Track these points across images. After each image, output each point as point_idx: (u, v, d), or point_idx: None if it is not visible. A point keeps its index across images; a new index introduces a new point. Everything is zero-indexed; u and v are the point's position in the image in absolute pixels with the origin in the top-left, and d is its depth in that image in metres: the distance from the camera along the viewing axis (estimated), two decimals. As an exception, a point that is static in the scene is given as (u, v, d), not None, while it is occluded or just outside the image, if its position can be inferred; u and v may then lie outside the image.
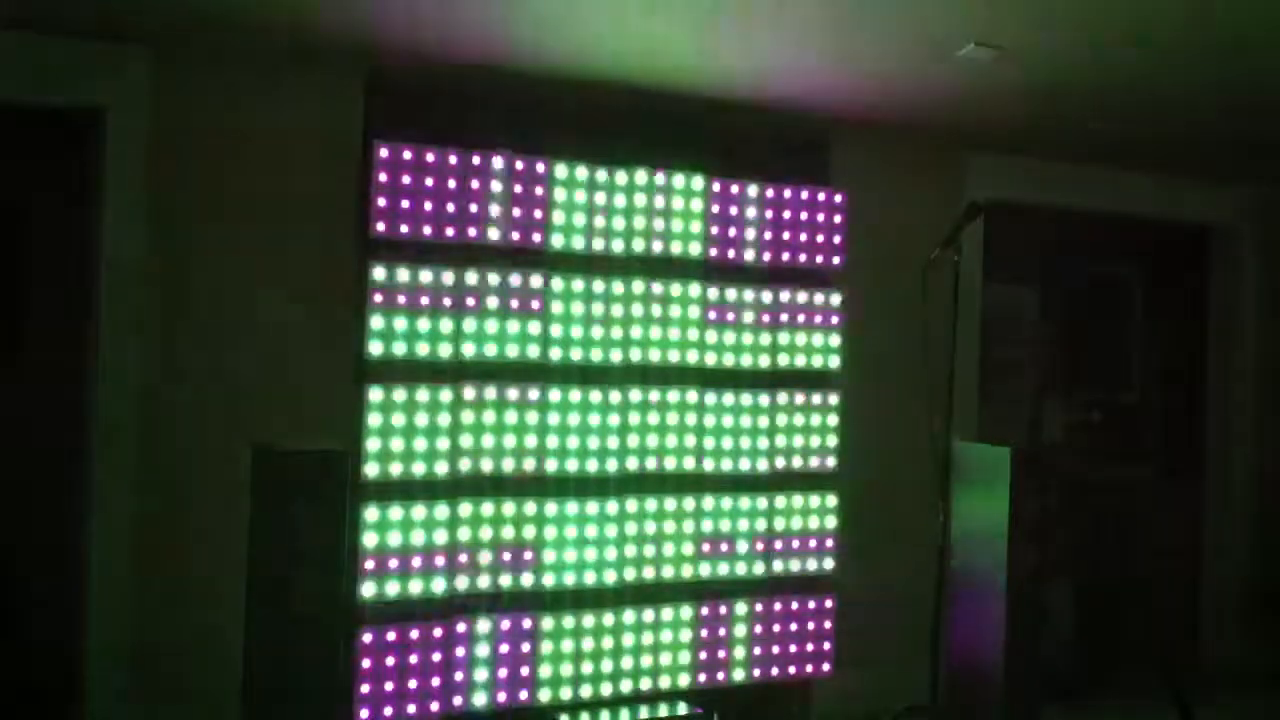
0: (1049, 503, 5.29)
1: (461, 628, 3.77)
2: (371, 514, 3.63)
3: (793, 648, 4.30)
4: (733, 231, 4.17)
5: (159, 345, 3.70)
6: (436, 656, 3.73)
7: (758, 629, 4.24)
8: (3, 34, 3.49)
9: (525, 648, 3.86)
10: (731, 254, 4.17)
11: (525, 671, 3.86)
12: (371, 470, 3.63)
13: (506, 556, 3.82)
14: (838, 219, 4.36)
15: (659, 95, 4.08)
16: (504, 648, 3.83)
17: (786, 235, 4.27)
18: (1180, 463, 5.71)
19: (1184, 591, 5.65)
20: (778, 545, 4.27)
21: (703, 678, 4.15)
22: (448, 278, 3.72)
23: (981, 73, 3.70)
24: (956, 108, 4.26)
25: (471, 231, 3.76)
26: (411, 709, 3.69)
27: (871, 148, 4.66)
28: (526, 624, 3.87)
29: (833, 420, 4.36)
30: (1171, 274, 5.76)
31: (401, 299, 3.65)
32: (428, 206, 3.69)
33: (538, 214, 3.86)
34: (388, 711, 3.66)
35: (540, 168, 3.86)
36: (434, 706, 3.73)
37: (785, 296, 4.26)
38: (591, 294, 3.94)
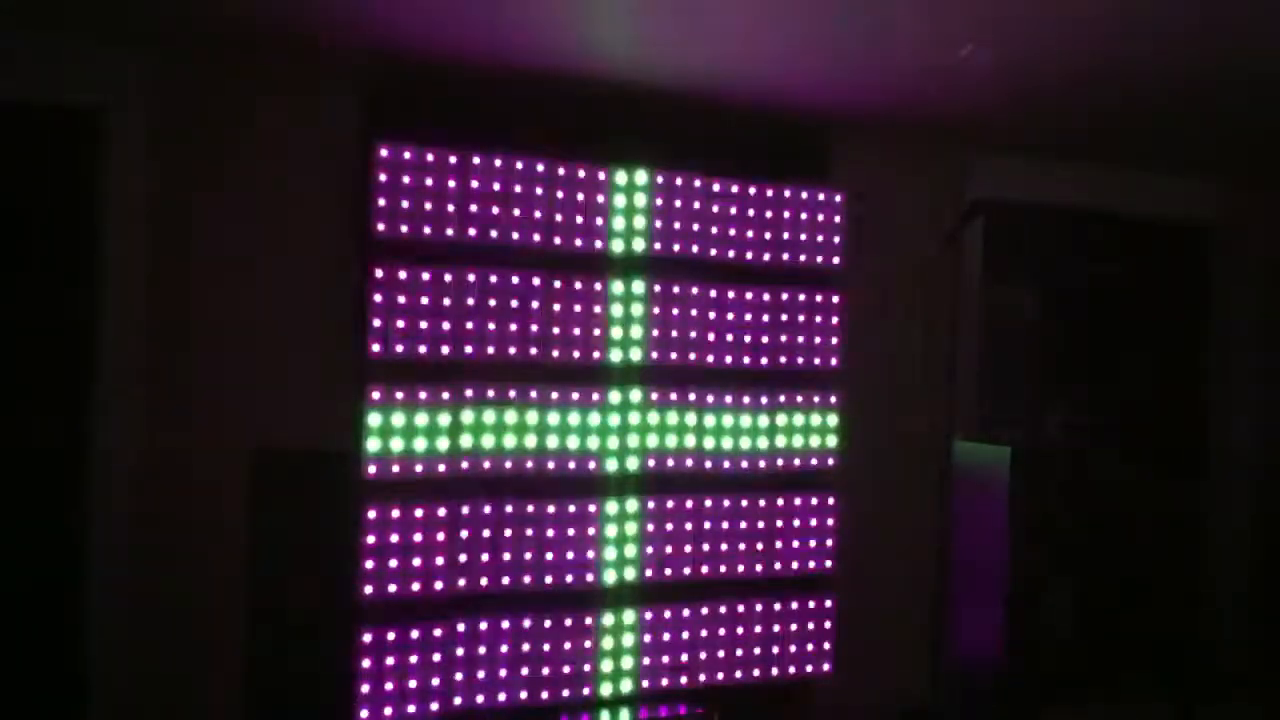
0: (1049, 502, 5.30)
1: (462, 628, 3.77)
2: (371, 514, 3.63)
3: (793, 648, 4.31)
4: (732, 231, 4.17)
5: (159, 345, 3.70)
6: (436, 656, 3.74)
7: (758, 629, 4.25)
8: (3, 34, 3.49)
9: (525, 648, 3.87)
10: (731, 254, 4.17)
11: (525, 671, 3.87)
12: (371, 470, 3.63)
13: (507, 556, 3.83)
14: (838, 219, 4.36)
15: (658, 95, 4.08)
16: (504, 648, 3.83)
17: (786, 235, 4.27)
18: (1180, 463, 5.71)
19: (1184, 591, 5.64)
20: (778, 545, 4.27)
21: (703, 678, 4.15)
22: (448, 278, 3.72)
23: (981, 73, 3.70)
24: (956, 108, 4.26)
25: (471, 231, 3.76)
26: (411, 709, 3.70)
27: (871, 147, 4.66)
28: (526, 624, 3.87)
29: (833, 420, 4.36)
30: (1171, 274, 5.76)
31: (401, 299, 3.66)
32: (428, 206, 3.70)
33: (537, 214, 3.86)
34: (388, 711, 3.66)
35: (540, 168, 3.86)
36: (434, 706, 3.73)
37: (785, 296, 4.27)
38: (591, 294, 3.94)
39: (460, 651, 3.77)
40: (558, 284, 3.89)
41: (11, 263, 3.73)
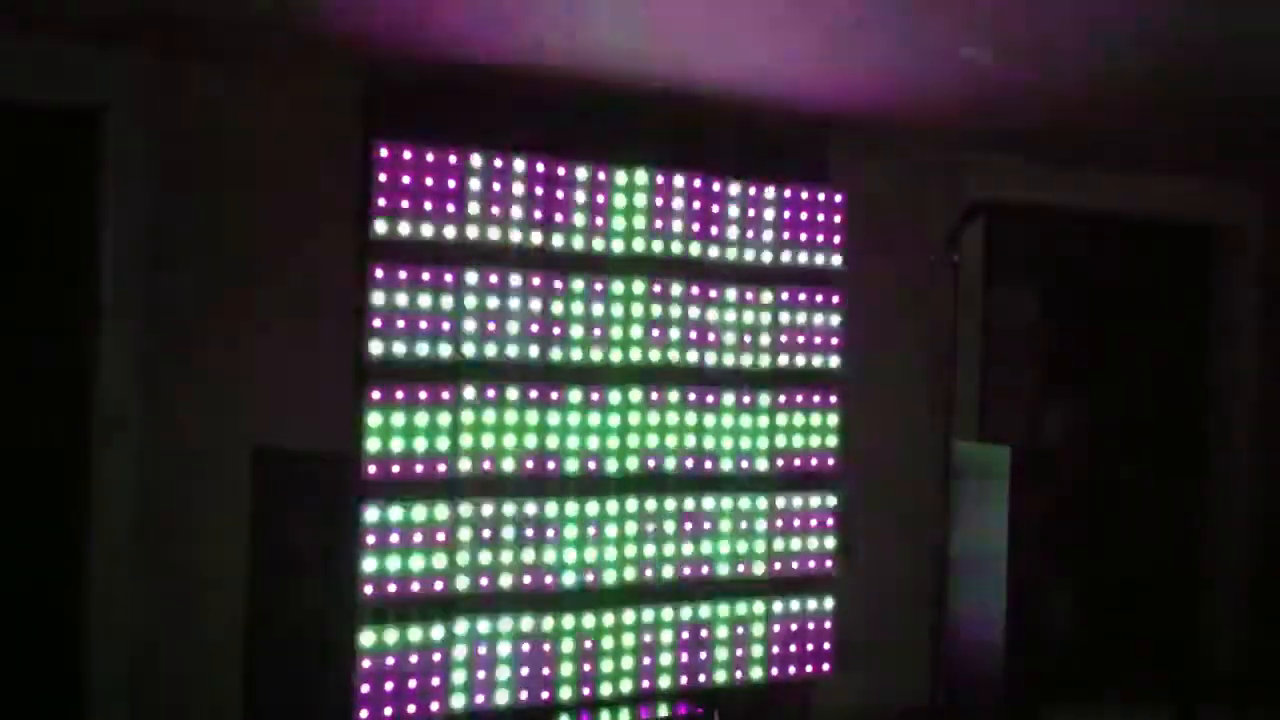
0: (1049, 503, 5.30)
1: (462, 628, 3.77)
2: (371, 514, 3.63)
3: (793, 648, 4.30)
4: (733, 231, 4.17)
5: (159, 345, 3.70)
6: (436, 657, 3.73)
7: (758, 629, 4.24)
8: (3, 34, 3.49)
9: (526, 648, 3.87)
10: (731, 254, 4.17)
11: (526, 671, 3.86)
12: (371, 470, 3.63)
13: (507, 556, 3.83)
14: (838, 219, 4.36)
15: (659, 95, 4.07)
16: (504, 648, 3.83)
17: (786, 235, 4.27)
18: (1180, 463, 5.71)
19: (1184, 591, 5.64)
20: (778, 545, 4.27)
21: (702, 678, 4.15)
22: (448, 278, 3.72)
23: (981, 73, 3.70)
24: (956, 108, 4.26)
25: (471, 231, 3.76)
26: (411, 709, 3.69)
27: (871, 148, 4.66)
28: (527, 624, 3.87)
29: (833, 420, 4.36)
30: (1171, 274, 5.76)
31: (401, 299, 3.66)
32: (428, 206, 3.70)
33: (538, 214, 3.86)
34: (388, 711, 3.66)
35: (540, 167, 3.86)
36: (434, 706, 3.73)
37: (785, 296, 4.26)
38: (592, 294, 3.94)
39: (460, 651, 3.77)
40: (558, 284, 3.89)
41: (11, 263, 3.73)
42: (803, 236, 4.30)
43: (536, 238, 3.86)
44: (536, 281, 3.85)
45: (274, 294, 3.81)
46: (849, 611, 4.43)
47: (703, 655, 4.16)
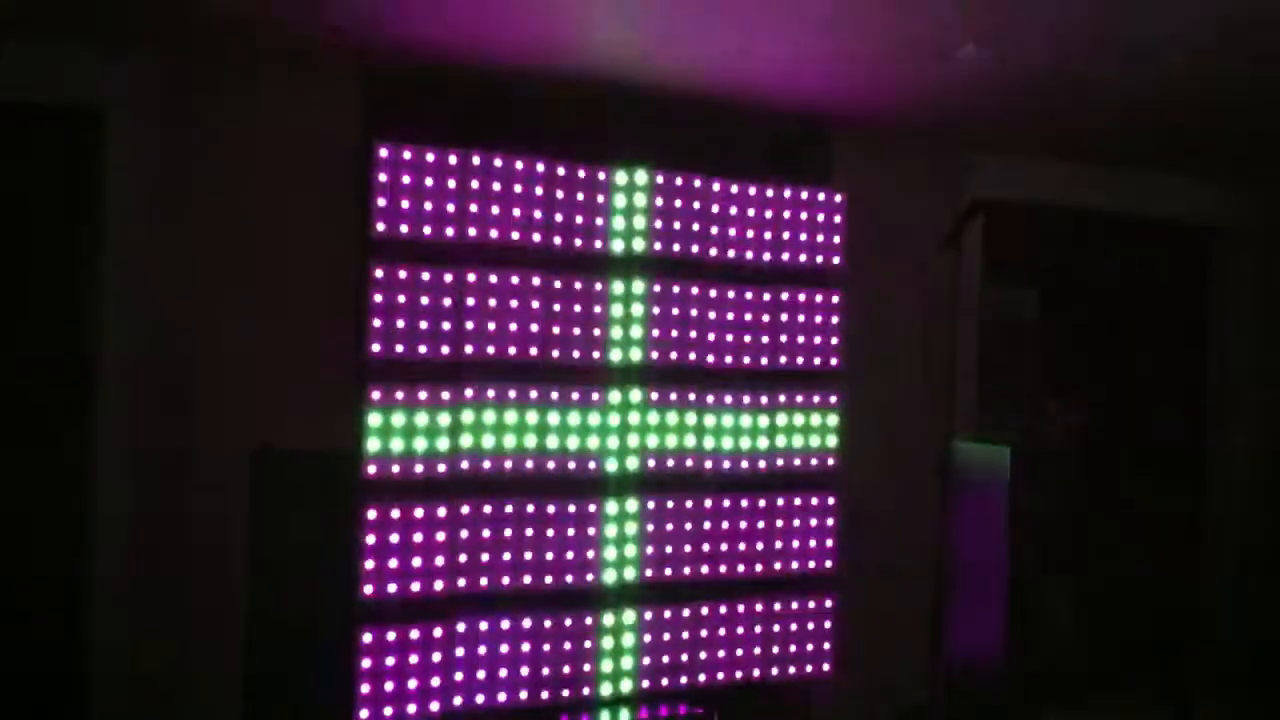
0: (1049, 503, 5.30)
1: (462, 628, 3.77)
2: (371, 514, 3.63)
3: (793, 648, 4.31)
4: (732, 231, 4.17)
5: (159, 345, 3.70)
6: (436, 656, 3.73)
7: (757, 629, 4.25)
8: (4, 34, 3.49)
9: (525, 648, 3.87)
10: (731, 254, 4.17)
11: (525, 671, 3.86)
12: (371, 470, 3.63)
13: (507, 556, 3.83)
14: (838, 219, 4.36)
15: (658, 95, 4.08)
16: (504, 648, 3.83)
17: (786, 235, 4.27)
18: (1179, 462, 5.71)
19: (1184, 591, 5.65)
20: (778, 545, 4.27)
21: (702, 678, 4.15)
22: (448, 278, 3.72)
23: (981, 73, 3.70)
24: (956, 108, 4.26)
25: (471, 231, 3.76)
26: (411, 709, 3.69)
27: (871, 148, 4.66)
28: (526, 624, 3.87)
29: (833, 420, 4.36)
30: (1171, 274, 5.76)
31: (401, 299, 3.66)
32: (428, 206, 3.70)
33: (537, 214, 3.86)
34: (388, 711, 3.66)
35: (540, 168, 3.86)
36: (434, 706, 3.73)
37: (785, 296, 4.27)
38: (591, 294, 3.94)
39: (460, 651, 3.77)
40: (558, 284, 3.89)
41: (13, 262, 3.73)
42: (803, 236, 4.30)
43: (536, 238, 3.86)
44: (536, 281, 3.85)
45: (274, 294, 3.81)
46: (849, 611, 4.43)
47: (703, 655, 4.16)
